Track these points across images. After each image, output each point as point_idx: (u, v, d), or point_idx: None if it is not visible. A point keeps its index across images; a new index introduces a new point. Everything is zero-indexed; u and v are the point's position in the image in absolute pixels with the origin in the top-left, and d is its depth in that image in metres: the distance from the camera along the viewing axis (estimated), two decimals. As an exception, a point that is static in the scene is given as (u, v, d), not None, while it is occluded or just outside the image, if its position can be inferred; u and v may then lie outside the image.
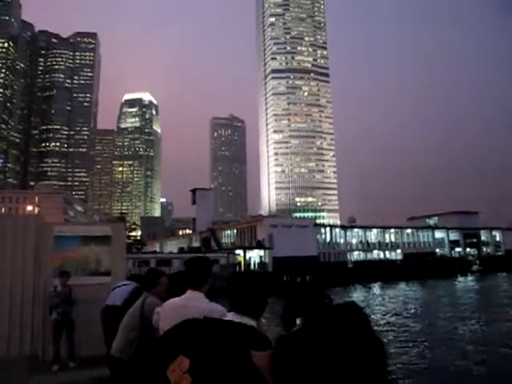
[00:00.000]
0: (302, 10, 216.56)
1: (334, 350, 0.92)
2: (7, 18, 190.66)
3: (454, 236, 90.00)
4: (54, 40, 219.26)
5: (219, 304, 3.00)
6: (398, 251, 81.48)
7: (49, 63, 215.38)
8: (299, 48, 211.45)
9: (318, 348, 0.92)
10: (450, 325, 27.13)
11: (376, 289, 57.19)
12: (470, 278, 73.65)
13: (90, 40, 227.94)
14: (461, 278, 71.55)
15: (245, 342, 1.12)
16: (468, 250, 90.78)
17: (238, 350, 1.09)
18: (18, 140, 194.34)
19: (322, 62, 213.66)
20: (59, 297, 7.45)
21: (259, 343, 1.21)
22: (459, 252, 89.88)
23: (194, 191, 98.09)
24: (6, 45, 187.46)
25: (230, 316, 2.12)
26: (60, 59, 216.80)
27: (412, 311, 34.13)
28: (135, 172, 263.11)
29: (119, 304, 5.35)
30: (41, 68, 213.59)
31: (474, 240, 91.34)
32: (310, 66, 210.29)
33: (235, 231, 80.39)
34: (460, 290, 54.61)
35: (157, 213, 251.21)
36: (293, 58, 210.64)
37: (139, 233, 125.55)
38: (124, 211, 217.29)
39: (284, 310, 1.75)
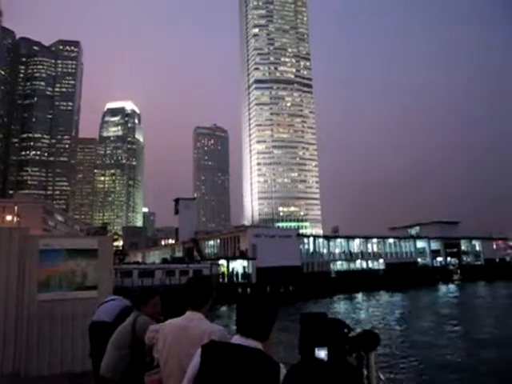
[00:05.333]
0: (286, 22, 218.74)
1: None
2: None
3: (435, 245, 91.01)
4: (35, 47, 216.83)
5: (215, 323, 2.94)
6: (381, 261, 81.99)
7: (30, 71, 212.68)
8: (282, 59, 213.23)
9: None
10: (431, 338, 27.31)
11: (359, 299, 57.39)
12: (451, 286, 74.52)
13: (72, 48, 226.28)
14: (442, 287, 72.37)
15: (250, 367, 1.11)
16: (449, 259, 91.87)
17: (245, 375, 1.08)
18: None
19: (305, 72, 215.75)
20: None
21: (265, 367, 1.22)
22: (440, 261, 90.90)
23: (176, 201, 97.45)
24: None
25: (236, 339, 2.06)
26: (41, 67, 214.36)
27: (394, 323, 34.28)
28: (117, 181, 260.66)
29: (108, 320, 5.21)
30: (21, 75, 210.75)
31: (455, 249, 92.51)
32: (293, 76, 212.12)
33: (218, 241, 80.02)
34: (442, 298, 55.17)
35: (139, 223, 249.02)
36: (276, 68, 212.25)
37: (121, 243, 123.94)
38: (106, 221, 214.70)
39: (302, 337, 1.71)
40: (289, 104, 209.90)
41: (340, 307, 47.47)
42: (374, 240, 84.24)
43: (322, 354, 1.95)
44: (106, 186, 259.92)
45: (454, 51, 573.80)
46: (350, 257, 79.57)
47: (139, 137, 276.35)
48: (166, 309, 3.87)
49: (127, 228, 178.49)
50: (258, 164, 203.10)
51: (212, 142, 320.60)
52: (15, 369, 7.52)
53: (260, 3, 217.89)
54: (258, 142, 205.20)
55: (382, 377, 2.29)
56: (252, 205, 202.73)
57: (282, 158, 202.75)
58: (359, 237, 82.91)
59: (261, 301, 2.16)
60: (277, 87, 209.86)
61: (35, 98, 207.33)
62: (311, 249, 75.81)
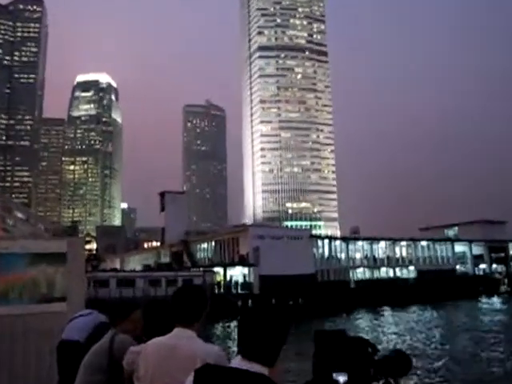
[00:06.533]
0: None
1: None
2: None
3: (477, 250, 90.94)
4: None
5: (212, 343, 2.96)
6: (411, 268, 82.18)
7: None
8: (291, 21, 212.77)
9: None
10: (477, 364, 27.28)
11: (384, 314, 57.49)
12: (496, 300, 74.48)
13: (35, 8, 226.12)
14: (486, 300, 72.34)
15: None
16: (494, 266, 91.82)
17: None
18: None
19: (319, 37, 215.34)
20: None
21: None
22: (484, 269, 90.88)
23: (162, 195, 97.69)
24: None
25: (236, 362, 1.96)
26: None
27: (427, 345, 34.28)
28: (90, 171, 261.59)
29: (80, 339, 5.24)
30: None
31: (502, 254, 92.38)
32: (304, 42, 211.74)
33: (213, 244, 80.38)
34: (486, 315, 55.10)
35: (117, 221, 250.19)
36: (284, 32, 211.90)
37: (95, 246, 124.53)
38: (76, 219, 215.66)
39: (316, 360, 1.66)
40: (299, 76, 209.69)
41: (361, 324, 47.60)
42: (403, 243, 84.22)
43: (340, 379, 1.90)
44: (77, 176, 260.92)
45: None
46: (373, 263, 79.63)
47: (116, 117, 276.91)
48: (148, 325, 3.86)
49: (102, 228, 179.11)
50: (262, 149, 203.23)
51: (205, 122, 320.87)
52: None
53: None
54: (262, 122, 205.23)
55: None
56: (254, 200, 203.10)
57: (291, 141, 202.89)
58: (385, 239, 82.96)
59: (269, 315, 2.02)
60: (284, 55, 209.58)
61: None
62: (326, 253, 76.00)
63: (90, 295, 46.35)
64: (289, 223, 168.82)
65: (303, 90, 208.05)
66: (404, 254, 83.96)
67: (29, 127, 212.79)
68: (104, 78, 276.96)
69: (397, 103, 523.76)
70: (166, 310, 3.59)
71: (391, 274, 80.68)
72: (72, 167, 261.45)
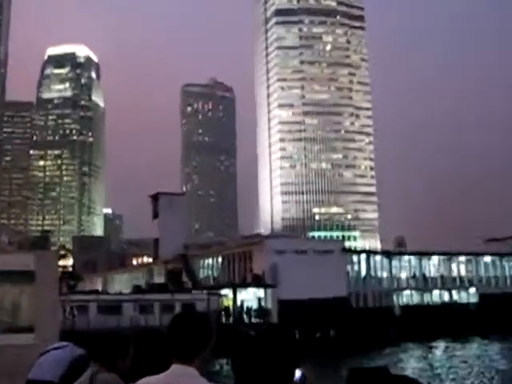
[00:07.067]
0: None
1: None
2: None
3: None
4: None
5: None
6: (472, 290, 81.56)
7: None
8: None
9: None
10: None
11: (438, 349, 57.13)
12: None
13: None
14: None
15: None
16: None
17: None
18: None
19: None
20: None
21: None
22: None
23: (155, 197, 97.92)
24: None
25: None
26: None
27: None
28: (65, 167, 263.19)
29: (52, 379, 5.26)
30: None
31: None
32: (334, 4, 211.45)
33: (220, 260, 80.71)
34: None
35: (98, 231, 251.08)
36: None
37: (71, 261, 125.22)
38: (47, 228, 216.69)
39: None
40: (328, 47, 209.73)
41: (409, 362, 47.37)
42: (462, 258, 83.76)
43: None
44: (48, 174, 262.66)
45: None
46: (423, 284, 79.30)
47: (98, 100, 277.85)
48: (138, 361, 3.82)
49: (80, 239, 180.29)
50: (282, 140, 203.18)
51: (209, 106, 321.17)
52: None
53: None
54: (281, 106, 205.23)
55: None
56: (272, 204, 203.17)
57: (319, 130, 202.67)
58: (437, 253, 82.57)
59: (274, 348, 2.15)
60: (310, 21, 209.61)
61: None
62: (363, 271, 75.99)
63: (65, 324, 46.69)
64: (316, 233, 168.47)
65: (334, 64, 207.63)
66: (462, 272, 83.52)
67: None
68: (82, 51, 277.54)
69: (448, 79, 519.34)
70: (160, 343, 3.57)
71: (446, 298, 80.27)
72: (42, 163, 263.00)
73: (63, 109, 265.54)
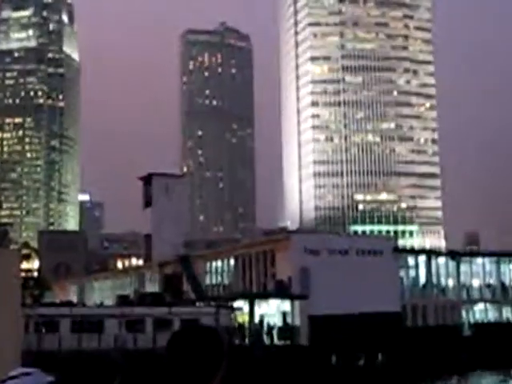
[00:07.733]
0: None
1: None
2: None
3: None
4: None
5: None
6: None
7: None
8: None
9: None
10: None
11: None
12: None
13: None
14: None
15: None
16: None
17: None
18: None
19: None
20: None
21: None
22: None
23: (147, 180, 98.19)
24: None
25: None
26: None
27: None
28: (28, 140, 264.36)
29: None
30: None
31: None
32: None
33: (232, 262, 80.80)
34: None
35: (72, 223, 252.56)
36: None
37: (36, 264, 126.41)
38: (5, 220, 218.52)
39: None
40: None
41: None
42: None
43: None
44: (6, 150, 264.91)
45: None
46: (502, 295, 79.39)
47: (71, 51, 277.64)
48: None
49: (49, 234, 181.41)
50: (314, 105, 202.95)
51: (218, 59, 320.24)
52: None
53: None
54: (314, 59, 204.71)
55: None
56: (301, 189, 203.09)
57: (364, 91, 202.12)
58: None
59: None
60: None
61: None
62: (422, 278, 76.14)
63: (30, 344, 47.56)
64: (359, 228, 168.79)
65: (383, 3, 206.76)
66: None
67: None
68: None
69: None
70: (155, 370, 4.16)
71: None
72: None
73: (25, 64, 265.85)
